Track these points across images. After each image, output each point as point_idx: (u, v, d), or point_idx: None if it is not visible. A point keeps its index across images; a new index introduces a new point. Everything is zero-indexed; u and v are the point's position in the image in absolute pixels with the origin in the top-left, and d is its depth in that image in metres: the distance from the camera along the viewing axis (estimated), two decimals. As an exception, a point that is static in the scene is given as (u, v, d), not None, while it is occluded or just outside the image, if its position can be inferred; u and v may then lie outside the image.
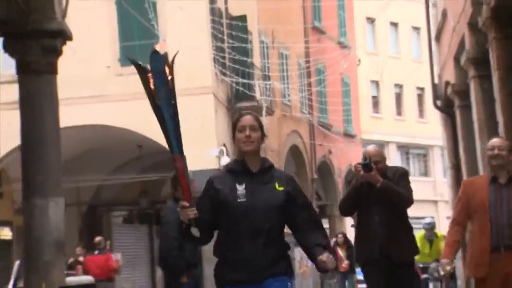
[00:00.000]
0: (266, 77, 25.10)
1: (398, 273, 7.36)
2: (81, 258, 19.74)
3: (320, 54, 31.23)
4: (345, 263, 20.38)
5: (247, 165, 5.15)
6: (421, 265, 15.64)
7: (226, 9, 22.92)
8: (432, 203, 41.91)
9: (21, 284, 18.84)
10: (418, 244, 15.30)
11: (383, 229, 7.25)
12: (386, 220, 7.26)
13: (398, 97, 43.90)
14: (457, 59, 14.93)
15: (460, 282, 16.25)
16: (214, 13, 22.02)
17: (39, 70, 9.92)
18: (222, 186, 5.10)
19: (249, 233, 5.02)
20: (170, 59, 4.92)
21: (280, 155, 27.75)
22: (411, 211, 7.92)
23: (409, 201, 7.46)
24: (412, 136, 42.51)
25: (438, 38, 18.47)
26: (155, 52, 4.88)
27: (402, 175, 7.54)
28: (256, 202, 5.04)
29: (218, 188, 5.10)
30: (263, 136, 5.21)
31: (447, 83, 16.86)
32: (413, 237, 7.76)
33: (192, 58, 19.48)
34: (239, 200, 5.04)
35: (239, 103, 22.86)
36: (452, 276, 15.32)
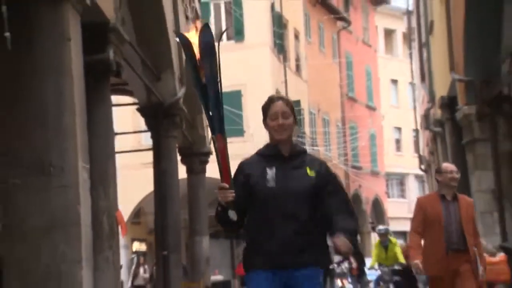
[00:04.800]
0: (313, 142, 31.35)
1: None
2: None
3: (353, 116, 37.22)
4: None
5: (279, 149, 4.50)
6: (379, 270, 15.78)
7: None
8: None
9: (138, 281, 23.56)
10: (375, 250, 15.78)
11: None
12: None
13: (416, 139, 49.57)
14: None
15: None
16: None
17: (197, 172, 16.26)
18: (252, 170, 4.49)
19: (278, 219, 4.37)
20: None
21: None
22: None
23: None
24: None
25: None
26: (207, 26, 4.30)
27: None
28: (286, 188, 4.40)
29: (248, 173, 4.48)
30: (295, 120, 4.50)
31: (424, 158, 23.94)
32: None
33: (262, 135, 26.62)
34: (268, 185, 4.41)
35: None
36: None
